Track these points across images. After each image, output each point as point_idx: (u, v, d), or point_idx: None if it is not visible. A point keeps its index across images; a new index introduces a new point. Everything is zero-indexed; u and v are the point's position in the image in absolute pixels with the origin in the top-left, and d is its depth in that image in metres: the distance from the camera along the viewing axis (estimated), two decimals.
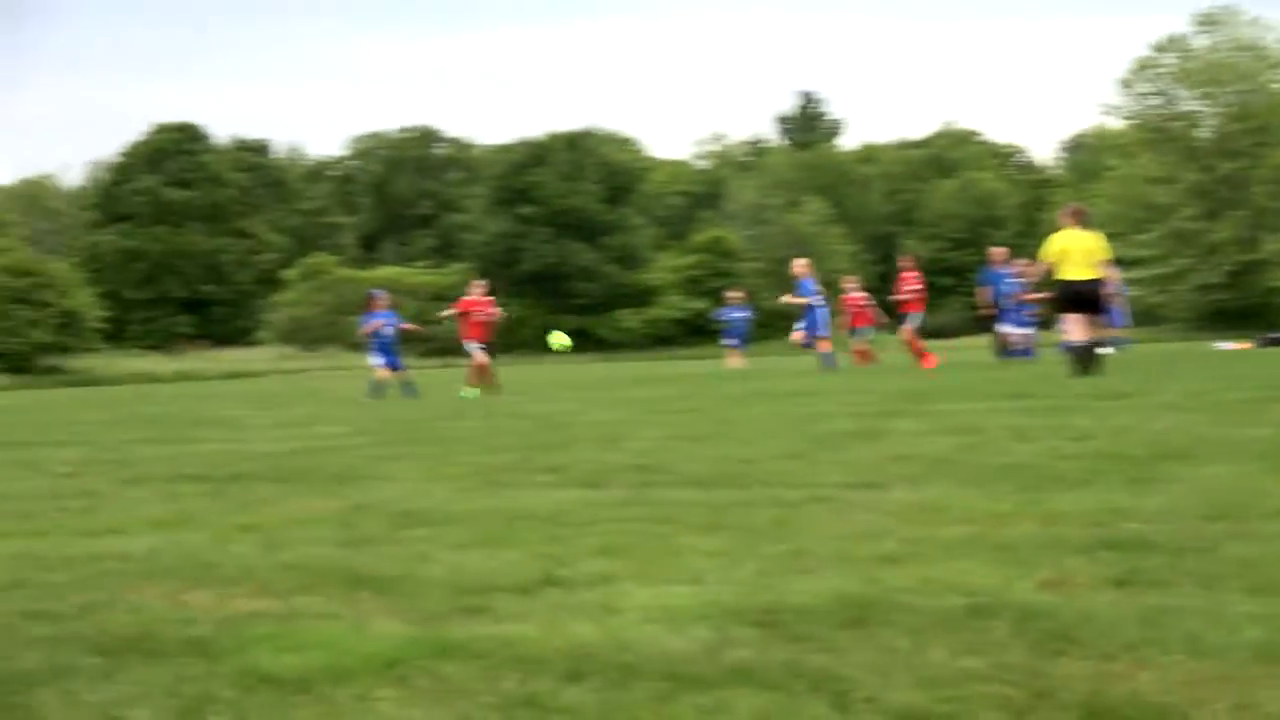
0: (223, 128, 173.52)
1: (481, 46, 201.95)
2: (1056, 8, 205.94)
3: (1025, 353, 34.71)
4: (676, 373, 43.26)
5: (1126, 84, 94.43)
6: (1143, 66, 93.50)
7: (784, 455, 12.41)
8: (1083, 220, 24.32)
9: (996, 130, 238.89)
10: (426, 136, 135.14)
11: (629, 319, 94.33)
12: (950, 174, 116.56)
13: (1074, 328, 23.92)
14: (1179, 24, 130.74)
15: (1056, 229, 24.85)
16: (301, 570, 7.44)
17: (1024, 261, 33.68)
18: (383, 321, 32.21)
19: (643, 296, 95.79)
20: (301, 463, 13.96)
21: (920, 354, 33.89)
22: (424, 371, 64.27)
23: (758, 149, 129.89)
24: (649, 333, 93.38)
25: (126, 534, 9.26)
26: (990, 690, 4.63)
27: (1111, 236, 29.67)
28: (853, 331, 38.91)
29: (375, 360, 32.10)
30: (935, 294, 53.67)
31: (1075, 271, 23.80)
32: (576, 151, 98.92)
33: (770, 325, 76.57)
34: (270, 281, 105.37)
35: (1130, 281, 54.28)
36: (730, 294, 48.28)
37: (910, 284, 34.75)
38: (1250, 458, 10.23)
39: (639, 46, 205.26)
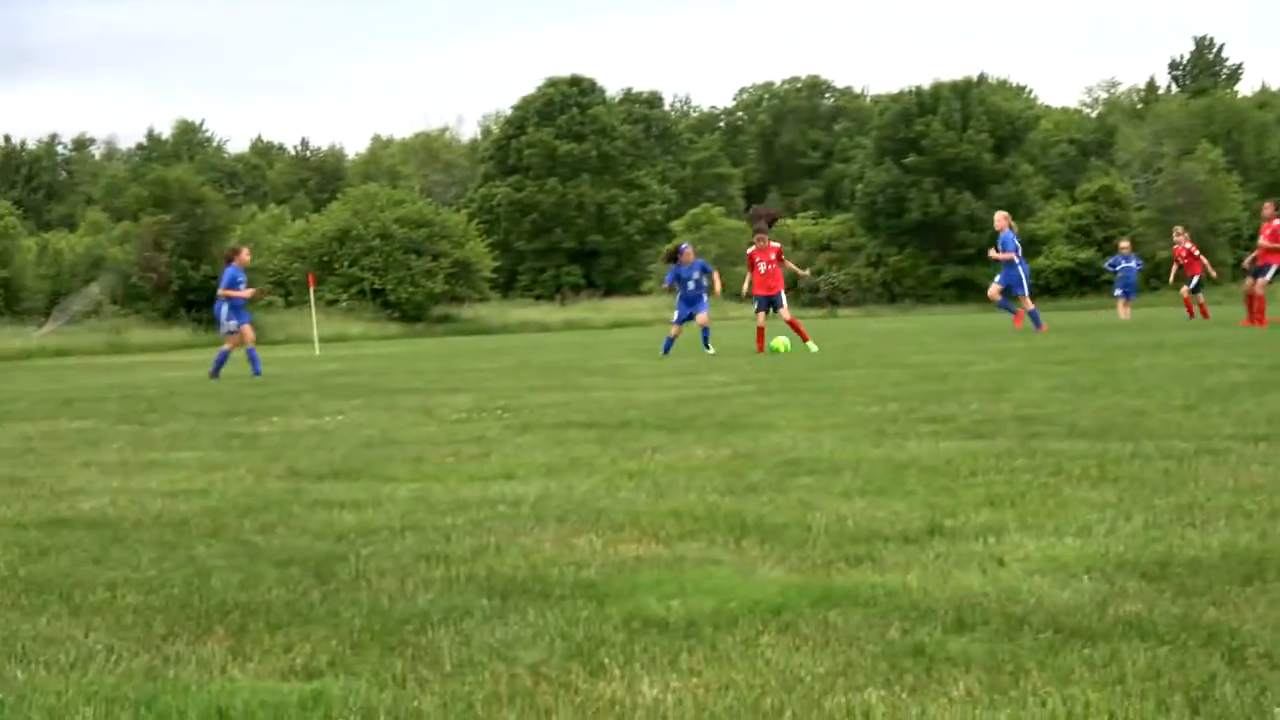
0: (614, 80, 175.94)
1: None
2: None
3: None
4: (1063, 323, 42.52)
5: None
6: None
7: (1174, 407, 12.13)
8: None
9: None
10: (814, 87, 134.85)
11: None
12: None
13: None
14: None
15: None
16: (687, 516, 7.53)
17: None
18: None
19: (1029, 246, 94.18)
20: (688, 411, 14.09)
21: (1255, 310, 31.46)
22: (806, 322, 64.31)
23: (1150, 95, 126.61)
24: (1036, 283, 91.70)
25: (517, 479, 9.50)
26: None
27: None
28: (1185, 281, 38.15)
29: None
30: None
31: None
32: (965, 100, 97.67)
33: (1156, 276, 74.52)
34: (657, 232, 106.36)
35: None
36: (1120, 244, 47.26)
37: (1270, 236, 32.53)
38: None
39: None
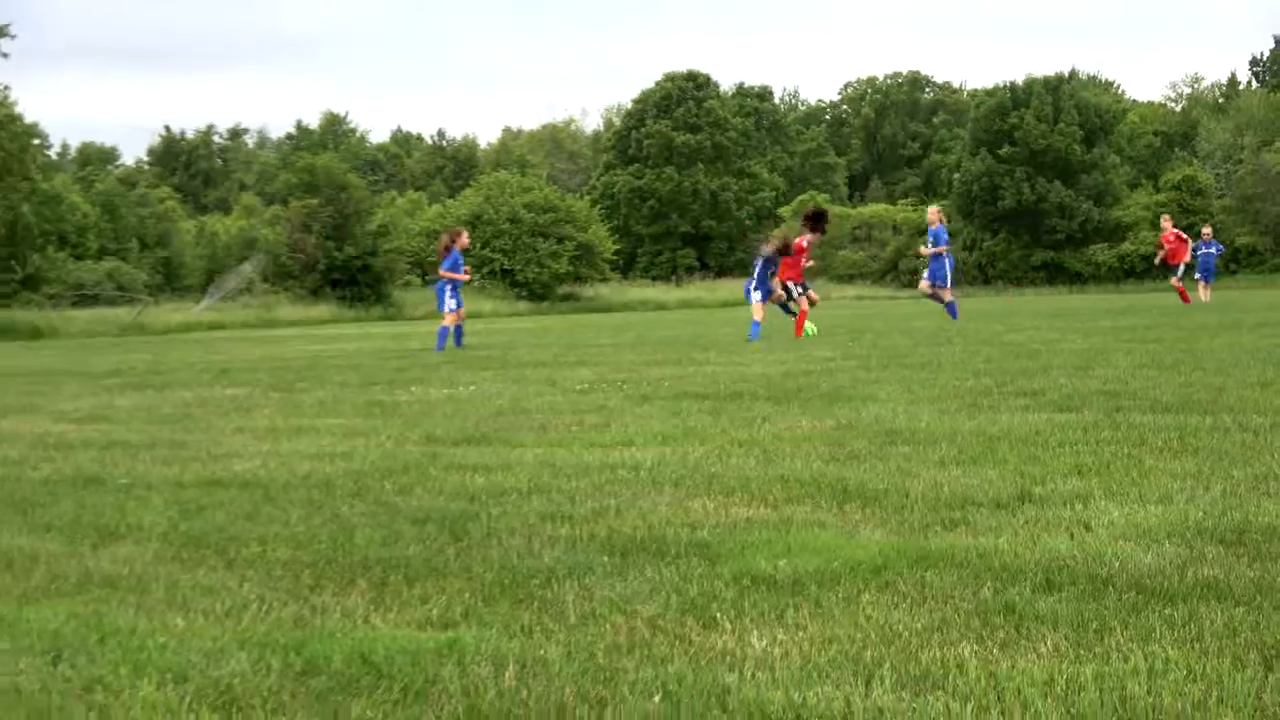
0: (727, 75, 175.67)
1: None
2: None
3: None
4: (1146, 304, 42.06)
5: None
6: None
7: (1251, 383, 11.98)
8: None
9: None
10: (915, 81, 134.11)
11: (1101, 253, 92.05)
12: None
13: None
14: None
15: None
16: (794, 482, 7.54)
17: None
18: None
19: (1115, 232, 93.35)
20: (794, 384, 14.07)
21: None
22: (901, 303, 63.98)
23: (1231, 90, 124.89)
24: (1119, 266, 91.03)
25: (635, 446, 9.52)
26: None
27: None
28: (1171, 270, 37.24)
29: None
30: None
31: None
32: (1056, 95, 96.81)
33: (1235, 261, 73.58)
34: (766, 217, 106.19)
35: None
36: (1202, 231, 46.70)
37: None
38: None
39: None
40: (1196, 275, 43.37)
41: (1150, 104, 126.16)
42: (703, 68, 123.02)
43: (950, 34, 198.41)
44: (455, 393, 14.83)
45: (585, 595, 5.17)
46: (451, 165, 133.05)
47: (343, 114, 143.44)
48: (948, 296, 31.08)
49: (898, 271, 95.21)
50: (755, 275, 26.95)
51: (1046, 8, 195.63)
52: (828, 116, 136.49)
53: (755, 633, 4.55)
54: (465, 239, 28.86)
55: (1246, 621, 4.46)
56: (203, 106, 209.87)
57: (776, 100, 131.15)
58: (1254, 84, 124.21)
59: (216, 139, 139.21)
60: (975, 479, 7.36)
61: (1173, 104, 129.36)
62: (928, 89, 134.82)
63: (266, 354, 28.09)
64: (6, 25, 58.32)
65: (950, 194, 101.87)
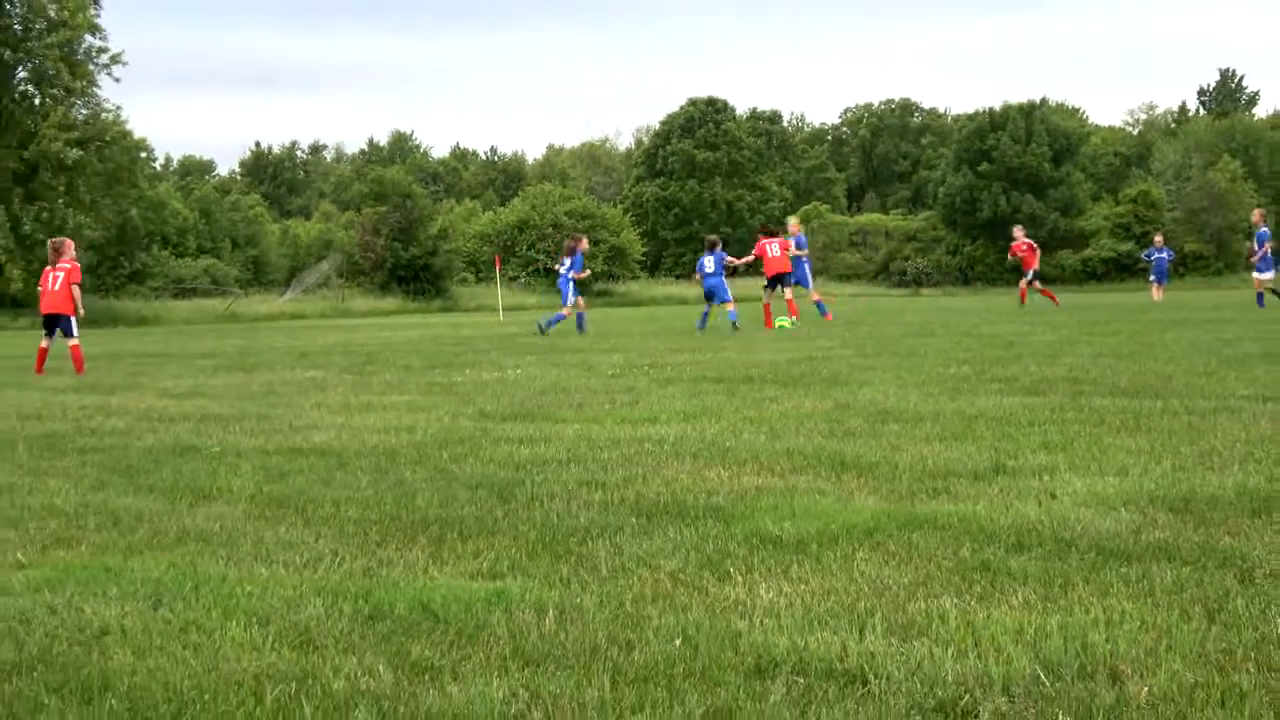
0: (743, 100, 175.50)
1: (950, 31, 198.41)
2: None
3: None
4: (1106, 302, 41.92)
5: None
6: None
7: (1198, 372, 11.94)
8: None
9: None
10: (906, 107, 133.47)
11: (1068, 258, 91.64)
12: None
13: None
14: None
15: None
16: (797, 455, 7.53)
17: None
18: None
19: (1079, 240, 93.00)
20: (798, 370, 14.06)
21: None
22: (892, 300, 63.80)
23: (1181, 117, 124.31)
24: (1083, 269, 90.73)
25: (660, 423, 9.51)
26: None
27: None
28: (1023, 274, 36.37)
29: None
30: None
31: None
32: (1029, 119, 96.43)
33: (1184, 265, 73.25)
34: (776, 224, 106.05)
35: None
36: (1155, 238, 46.43)
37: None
38: None
39: (1082, 29, 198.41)
40: (1151, 277, 43.15)
41: (1111, 128, 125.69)
42: (721, 94, 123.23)
43: (937, 66, 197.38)
44: (504, 375, 14.83)
45: (616, 552, 5.17)
46: (502, 177, 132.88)
47: (409, 132, 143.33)
48: (816, 296, 30.19)
49: (889, 272, 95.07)
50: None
51: (1021, 44, 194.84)
52: (829, 137, 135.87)
53: (763, 585, 4.55)
54: (585, 244, 29.63)
55: (1192, 579, 4.45)
56: (288, 125, 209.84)
57: (785, 123, 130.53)
58: (1201, 111, 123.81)
59: (299, 153, 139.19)
60: (956, 453, 7.35)
61: (1130, 128, 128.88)
62: (917, 114, 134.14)
63: (341, 340, 28.14)
64: (119, 53, 58.35)
65: (936, 205, 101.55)
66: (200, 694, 3.58)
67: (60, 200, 55.07)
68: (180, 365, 19.48)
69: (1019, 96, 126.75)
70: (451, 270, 73.44)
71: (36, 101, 57.58)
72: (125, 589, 4.78)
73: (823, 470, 6.95)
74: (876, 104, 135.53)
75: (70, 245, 19.73)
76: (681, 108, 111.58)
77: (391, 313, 61.12)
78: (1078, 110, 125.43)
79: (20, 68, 57.44)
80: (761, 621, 4.11)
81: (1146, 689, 3.38)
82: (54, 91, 56.86)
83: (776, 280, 27.93)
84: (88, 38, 57.27)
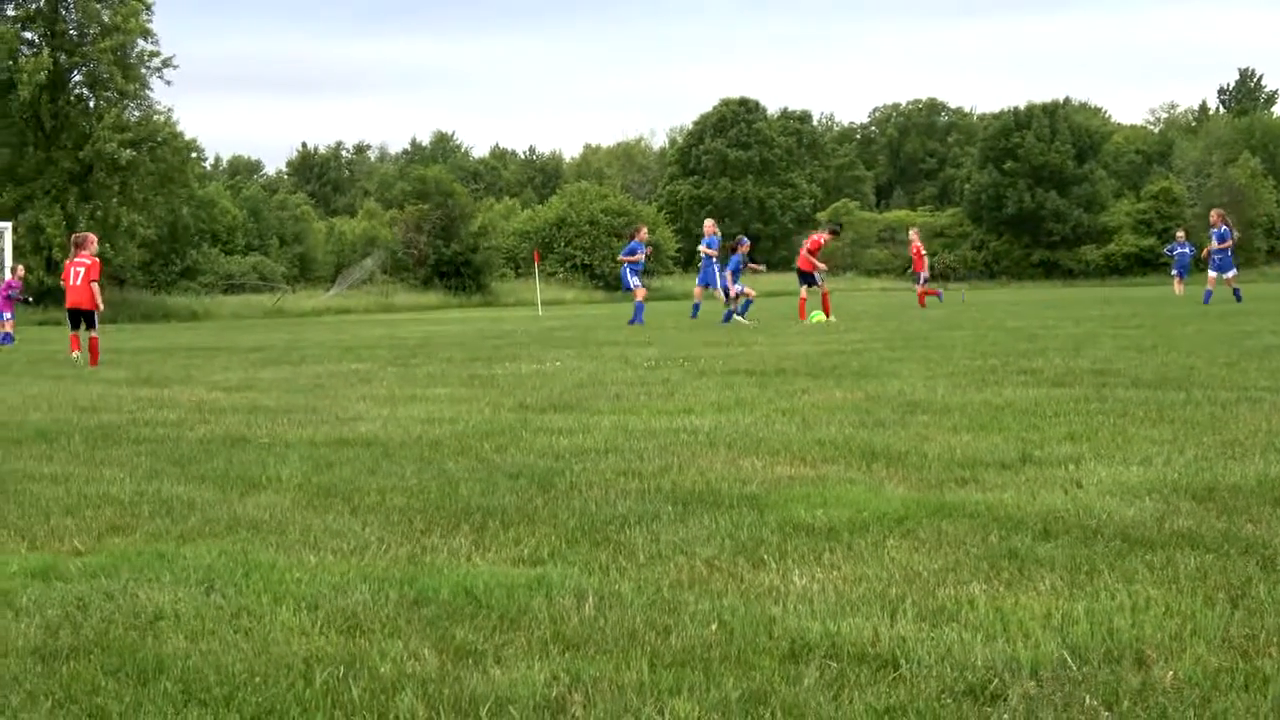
0: (774, 100, 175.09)
1: (975, 33, 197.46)
2: None
3: None
4: (1129, 297, 41.71)
5: None
6: None
7: (1219, 364, 11.88)
8: None
9: None
10: (932, 106, 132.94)
11: (1090, 253, 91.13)
12: None
13: None
14: None
15: None
16: (829, 445, 7.51)
17: None
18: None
19: (1102, 235, 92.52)
20: (829, 362, 14.03)
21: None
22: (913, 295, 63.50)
23: (1202, 115, 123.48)
24: (1106, 264, 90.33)
25: (694, 413, 9.50)
26: None
27: None
28: (914, 277, 35.34)
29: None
30: None
31: None
32: (1052, 118, 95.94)
33: (1201, 261, 72.81)
34: (805, 221, 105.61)
35: None
36: (1176, 234, 46.14)
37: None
38: None
39: (1104, 31, 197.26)
40: (1173, 271, 42.93)
41: (1133, 126, 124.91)
42: (753, 94, 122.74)
43: (963, 66, 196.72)
44: (543, 368, 14.84)
45: (653, 539, 5.16)
46: (540, 176, 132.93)
47: (450, 132, 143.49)
48: (699, 298, 29.62)
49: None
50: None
51: (1045, 45, 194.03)
52: (858, 136, 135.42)
53: (796, 572, 4.54)
54: (644, 233, 30.35)
55: (1216, 566, 4.42)
56: (333, 126, 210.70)
57: (815, 122, 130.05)
58: (1221, 110, 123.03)
59: (344, 153, 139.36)
60: (983, 443, 7.32)
61: (1152, 127, 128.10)
62: (943, 113, 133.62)
63: (385, 334, 28.22)
64: (170, 57, 58.62)
65: (962, 202, 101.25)
66: (251, 677, 3.59)
67: (114, 199, 55.41)
68: (230, 359, 19.57)
69: (1043, 96, 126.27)
70: (491, 266, 73.53)
71: (91, 104, 57.94)
72: (178, 575, 4.80)
73: (854, 460, 6.93)
74: (904, 104, 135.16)
75: (91, 240, 19.82)
76: (714, 108, 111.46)
77: (434, 307, 61.28)
78: (1100, 109, 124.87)
79: (75, 71, 57.82)
80: (795, 607, 4.10)
81: (1172, 673, 3.36)
82: (108, 94, 57.20)
83: (805, 278, 27.99)
84: (140, 42, 57.57)
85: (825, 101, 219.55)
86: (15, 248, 45.82)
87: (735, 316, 26.41)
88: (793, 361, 14.27)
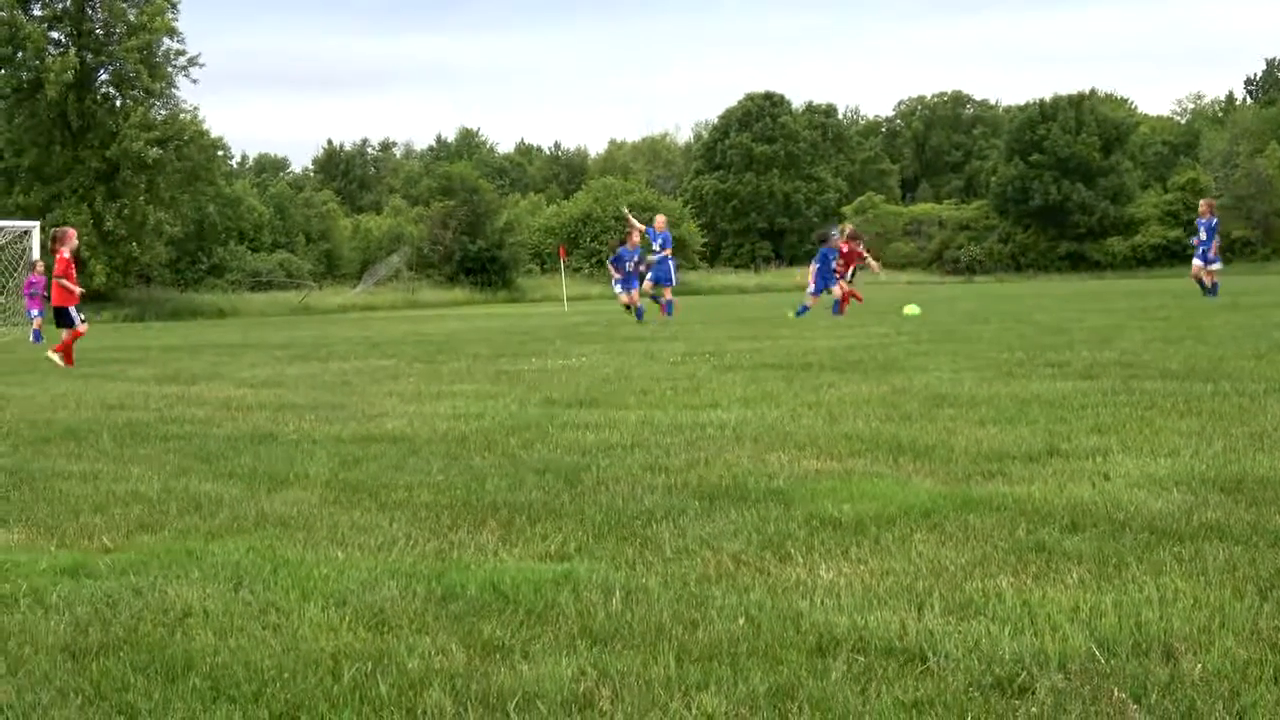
0: (799, 94, 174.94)
1: (1000, 25, 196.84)
2: None
3: None
4: (1156, 288, 41.54)
5: None
6: None
7: (1247, 355, 11.81)
8: None
9: None
10: (958, 99, 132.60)
11: (1117, 245, 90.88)
12: None
13: None
14: None
15: None
16: (855, 438, 7.50)
17: None
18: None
19: (1129, 226, 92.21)
20: (855, 356, 14.00)
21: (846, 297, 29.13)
22: (946, 287, 63.35)
23: (1229, 105, 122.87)
24: (1133, 256, 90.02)
25: (721, 408, 9.49)
26: None
27: None
28: (846, 276, 34.20)
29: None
30: None
31: None
32: (1078, 110, 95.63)
33: (1230, 250, 72.43)
34: (830, 215, 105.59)
35: None
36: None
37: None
38: None
39: (1130, 22, 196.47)
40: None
41: (1159, 117, 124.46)
42: (777, 88, 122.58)
43: (988, 58, 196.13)
44: (569, 363, 14.85)
45: (679, 534, 5.16)
46: (565, 172, 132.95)
47: (475, 129, 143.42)
48: (668, 296, 29.11)
49: (943, 260, 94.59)
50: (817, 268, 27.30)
51: (1070, 36, 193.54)
52: (883, 129, 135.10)
53: (823, 566, 4.53)
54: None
55: (1244, 558, 4.40)
56: (359, 123, 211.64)
57: (840, 115, 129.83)
58: (1248, 100, 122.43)
59: (370, 150, 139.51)
60: (1010, 436, 7.30)
61: (1178, 117, 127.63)
62: (969, 105, 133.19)
63: (411, 330, 28.28)
64: (196, 56, 59.01)
65: (988, 194, 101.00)
66: (280, 673, 3.60)
67: (141, 198, 55.73)
68: (257, 355, 19.63)
69: (1068, 88, 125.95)
70: (517, 262, 73.69)
71: (118, 103, 58.26)
72: (207, 572, 4.82)
73: (880, 453, 6.92)
74: (929, 96, 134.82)
75: (69, 235, 18.80)
76: (739, 102, 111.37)
77: (459, 304, 61.43)
78: (1126, 100, 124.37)
79: (102, 70, 58.16)
80: (822, 601, 4.09)
81: (1200, 666, 3.35)
82: (134, 93, 57.50)
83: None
84: (166, 41, 57.90)
85: (850, 95, 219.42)
86: (43, 246, 46.07)
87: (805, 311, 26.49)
88: (818, 355, 14.25)
